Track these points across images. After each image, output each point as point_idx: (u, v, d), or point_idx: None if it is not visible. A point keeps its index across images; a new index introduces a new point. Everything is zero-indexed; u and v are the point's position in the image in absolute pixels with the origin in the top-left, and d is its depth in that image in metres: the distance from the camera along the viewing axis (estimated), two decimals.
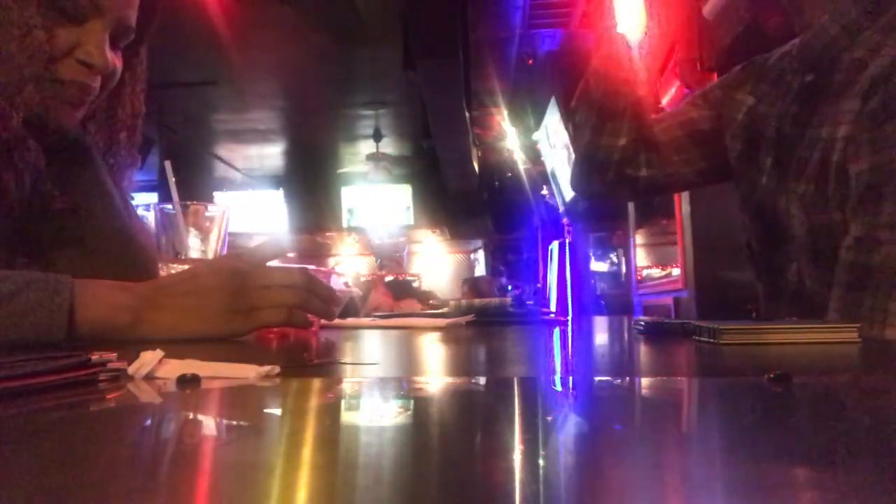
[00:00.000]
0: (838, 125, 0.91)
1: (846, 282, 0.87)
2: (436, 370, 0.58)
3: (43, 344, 0.64)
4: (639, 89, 1.16)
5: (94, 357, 0.42)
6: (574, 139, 1.34)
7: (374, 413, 0.36)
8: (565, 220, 6.42)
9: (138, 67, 1.01)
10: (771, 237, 1.06)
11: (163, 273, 0.89)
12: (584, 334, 1.10)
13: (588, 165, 1.25)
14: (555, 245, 5.47)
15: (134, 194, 1.06)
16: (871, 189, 0.85)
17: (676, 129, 1.21)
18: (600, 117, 1.20)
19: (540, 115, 6.11)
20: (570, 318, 1.10)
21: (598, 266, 6.67)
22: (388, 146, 8.38)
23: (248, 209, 9.02)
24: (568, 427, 0.32)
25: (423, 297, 5.07)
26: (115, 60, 0.90)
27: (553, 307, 4.71)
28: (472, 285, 6.21)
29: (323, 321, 0.87)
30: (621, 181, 1.23)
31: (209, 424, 0.35)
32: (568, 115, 5.48)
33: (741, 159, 1.12)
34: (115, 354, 0.44)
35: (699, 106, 1.22)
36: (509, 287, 8.46)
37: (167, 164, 0.95)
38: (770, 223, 1.05)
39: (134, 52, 0.98)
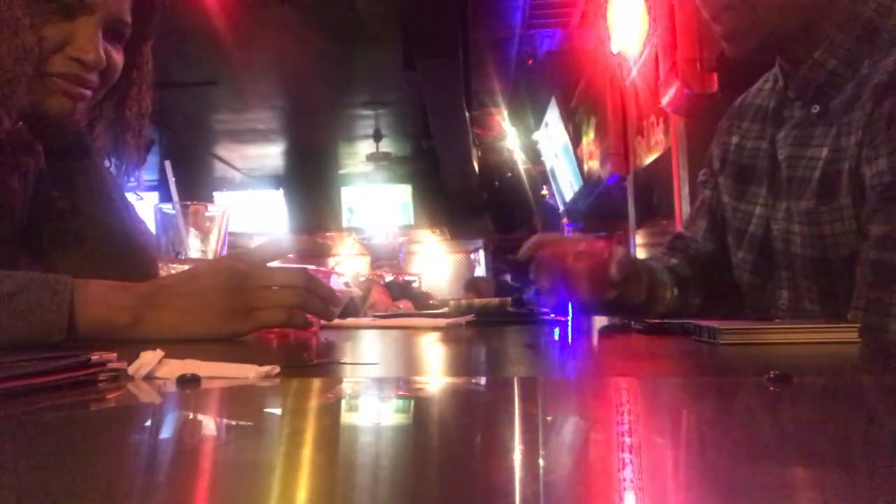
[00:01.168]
0: (848, 135, 0.92)
1: (871, 281, 0.87)
2: (435, 370, 0.58)
3: (43, 344, 0.64)
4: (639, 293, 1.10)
5: (94, 357, 0.42)
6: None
7: (373, 413, 0.36)
8: (565, 220, 6.42)
9: (145, 66, 1.00)
10: (764, 266, 1.07)
11: (163, 273, 0.89)
12: (583, 334, 1.10)
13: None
14: None
15: (142, 193, 1.06)
16: (892, 188, 0.86)
17: (699, 218, 1.23)
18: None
19: (540, 115, 6.11)
20: (569, 318, 1.10)
21: None
22: (388, 146, 8.38)
23: (248, 209, 9.01)
24: (568, 427, 0.32)
25: (421, 299, 5.06)
26: (116, 56, 0.89)
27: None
28: (472, 286, 6.21)
29: (323, 321, 0.87)
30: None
31: (209, 424, 0.35)
32: (568, 115, 5.48)
33: (733, 195, 1.14)
34: (115, 354, 0.44)
35: (707, 183, 1.23)
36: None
37: (167, 164, 0.95)
38: (765, 252, 1.07)
39: (138, 50, 0.97)
